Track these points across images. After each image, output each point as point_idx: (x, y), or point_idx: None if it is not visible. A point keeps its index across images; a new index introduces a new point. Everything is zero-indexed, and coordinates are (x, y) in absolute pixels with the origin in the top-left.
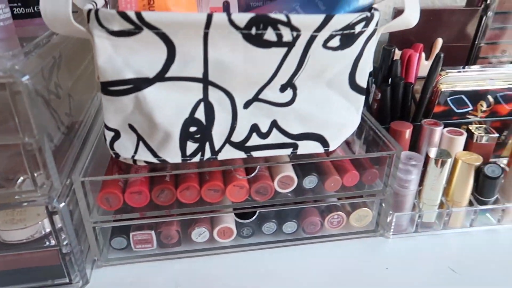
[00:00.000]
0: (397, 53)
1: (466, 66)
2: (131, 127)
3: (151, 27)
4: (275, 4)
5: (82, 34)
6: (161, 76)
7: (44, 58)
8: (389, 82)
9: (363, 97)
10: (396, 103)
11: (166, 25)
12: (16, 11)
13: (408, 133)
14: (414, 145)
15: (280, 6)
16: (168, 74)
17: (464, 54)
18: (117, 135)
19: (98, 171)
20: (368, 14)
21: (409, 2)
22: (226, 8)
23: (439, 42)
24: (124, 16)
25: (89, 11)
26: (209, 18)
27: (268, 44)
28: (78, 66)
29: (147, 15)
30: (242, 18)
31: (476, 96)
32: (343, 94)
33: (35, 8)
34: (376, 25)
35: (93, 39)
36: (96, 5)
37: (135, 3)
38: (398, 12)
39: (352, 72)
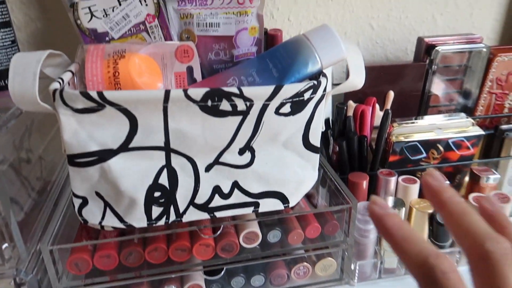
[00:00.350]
0: (353, 105)
1: (418, 117)
2: (98, 194)
3: (113, 104)
4: (234, 70)
5: (48, 111)
6: (124, 147)
7: (16, 130)
8: (344, 136)
9: (317, 155)
10: (352, 155)
11: (127, 102)
12: None
13: (365, 184)
14: (373, 194)
15: (238, 71)
16: (132, 145)
17: (416, 103)
18: (84, 202)
19: (68, 234)
20: (315, 82)
21: (354, 67)
22: (189, 72)
23: (391, 94)
24: (87, 96)
25: (55, 91)
26: (167, 94)
27: (224, 114)
28: (50, 129)
29: (109, 94)
30: (197, 93)
31: (427, 145)
32: (299, 153)
33: (6, 81)
34: (324, 90)
35: (58, 117)
36: (63, 82)
37: (101, 76)
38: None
39: (305, 134)
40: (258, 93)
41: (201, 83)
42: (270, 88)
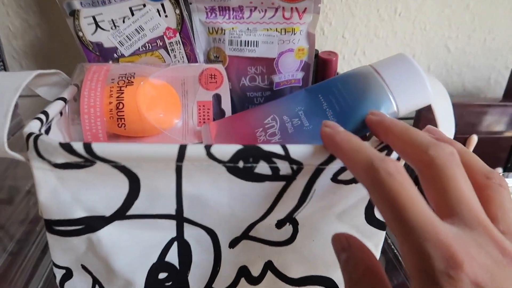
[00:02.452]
0: None
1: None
2: (84, 268)
3: (105, 160)
4: (275, 105)
5: (21, 159)
6: (121, 214)
7: None
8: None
9: (383, 233)
10: None
11: (126, 159)
12: None
13: None
14: None
15: (280, 108)
16: (131, 212)
17: (507, 150)
18: (68, 273)
19: None
20: None
21: (442, 119)
22: (216, 102)
23: (474, 139)
24: (69, 149)
25: (28, 136)
26: (182, 151)
27: (260, 178)
28: None
29: (100, 149)
30: (225, 152)
31: None
32: (358, 229)
33: None
34: None
35: (32, 170)
36: (46, 119)
37: (100, 108)
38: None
39: (370, 205)
40: (311, 155)
41: (230, 119)
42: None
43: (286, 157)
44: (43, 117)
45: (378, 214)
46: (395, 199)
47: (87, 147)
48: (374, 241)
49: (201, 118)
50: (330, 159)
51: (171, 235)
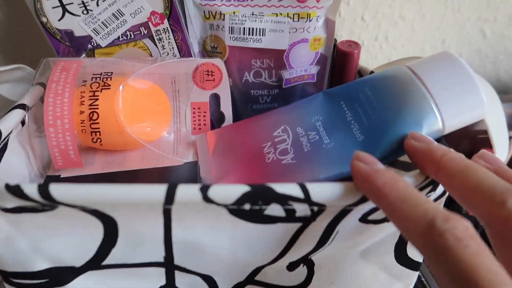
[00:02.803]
0: None
1: None
2: None
3: (70, 206)
4: (285, 113)
5: None
6: (95, 265)
7: None
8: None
9: (415, 274)
10: None
11: (96, 204)
12: None
13: None
14: None
15: (293, 117)
16: (108, 261)
17: None
18: None
19: None
20: None
21: (496, 137)
22: (215, 103)
23: None
24: (19, 194)
25: None
26: (170, 194)
27: (271, 220)
28: None
29: (60, 193)
30: (227, 195)
31: None
32: (386, 269)
33: None
34: None
35: None
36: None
37: (69, 118)
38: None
39: (401, 242)
40: (338, 196)
41: (232, 129)
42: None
43: (306, 199)
44: None
45: (411, 253)
46: (470, 275)
47: (43, 191)
48: (404, 282)
49: (196, 124)
50: (361, 201)
51: (160, 283)
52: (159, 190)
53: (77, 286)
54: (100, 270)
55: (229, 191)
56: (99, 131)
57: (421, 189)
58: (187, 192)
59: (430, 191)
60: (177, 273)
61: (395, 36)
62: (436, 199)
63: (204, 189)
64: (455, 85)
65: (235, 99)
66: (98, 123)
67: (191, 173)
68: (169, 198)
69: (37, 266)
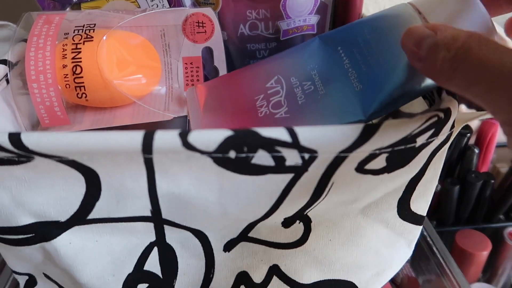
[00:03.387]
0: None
1: None
2: (48, 277)
3: (46, 156)
4: (280, 60)
5: None
6: (80, 219)
7: None
8: (457, 177)
9: (419, 228)
10: (465, 205)
11: (73, 153)
12: None
13: (484, 255)
14: (490, 264)
15: (287, 66)
16: (93, 215)
17: None
18: (32, 280)
19: None
20: (441, 113)
21: None
22: (208, 57)
23: None
24: None
25: None
26: (148, 141)
27: (259, 170)
28: None
29: (33, 142)
30: (208, 141)
31: None
32: (388, 225)
33: None
34: (452, 127)
35: None
36: None
37: (52, 72)
38: None
39: (405, 197)
40: (330, 139)
41: (222, 81)
42: (351, 133)
43: (294, 144)
44: None
45: (415, 207)
46: None
47: (15, 140)
48: (407, 238)
49: (189, 80)
50: (356, 144)
51: (150, 239)
52: (135, 137)
53: (64, 241)
54: (86, 225)
55: (211, 135)
56: (83, 86)
57: (421, 131)
58: (165, 138)
59: (432, 136)
60: (167, 228)
61: None
62: (439, 146)
63: (184, 135)
64: (464, 24)
65: (230, 54)
66: (82, 77)
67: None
68: (147, 145)
69: (21, 220)
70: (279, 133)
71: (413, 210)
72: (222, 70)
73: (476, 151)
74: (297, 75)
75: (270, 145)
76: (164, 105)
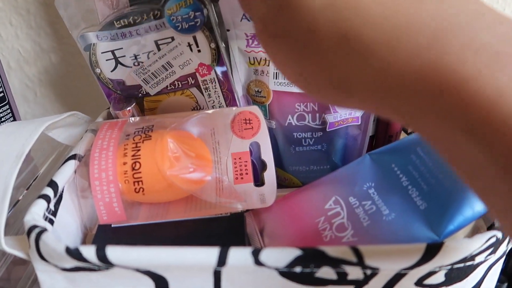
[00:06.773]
0: None
1: None
2: None
3: (124, 266)
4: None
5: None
6: None
7: None
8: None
9: None
10: None
11: (150, 267)
12: None
13: None
14: None
15: (340, 186)
16: None
17: None
18: None
19: None
20: (499, 235)
21: None
22: (255, 151)
23: None
24: (78, 257)
25: (29, 231)
26: (222, 258)
27: (321, 282)
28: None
29: (116, 256)
30: (279, 259)
31: None
32: None
33: None
34: (508, 243)
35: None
36: (55, 192)
37: (113, 171)
38: None
39: None
40: (393, 259)
41: (276, 209)
42: (414, 253)
43: (359, 263)
44: (50, 192)
45: None
46: None
47: (101, 254)
48: None
49: (238, 173)
50: (419, 263)
51: None
52: (211, 254)
53: None
54: None
55: (281, 255)
56: (141, 180)
57: (481, 252)
58: (238, 255)
59: (490, 254)
60: None
61: None
62: (495, 261)
63: (256, 253)
64: None
65: (277, 141)
66: (140, 172)
67: (234, 224)
68: (221, 261)
69: None
70: (345, 253)
71: None
72: (269, 162)
73: None
74: (354, 194)
75: (336, 263)
76: (215, 196)
